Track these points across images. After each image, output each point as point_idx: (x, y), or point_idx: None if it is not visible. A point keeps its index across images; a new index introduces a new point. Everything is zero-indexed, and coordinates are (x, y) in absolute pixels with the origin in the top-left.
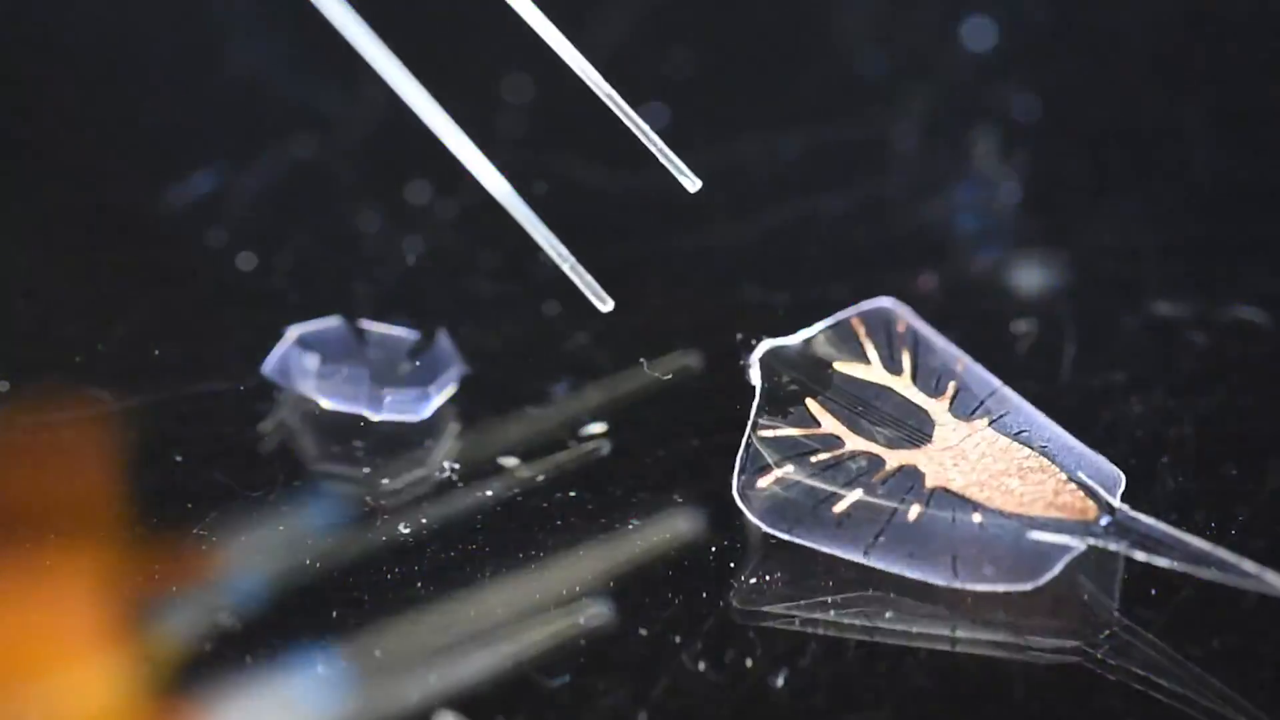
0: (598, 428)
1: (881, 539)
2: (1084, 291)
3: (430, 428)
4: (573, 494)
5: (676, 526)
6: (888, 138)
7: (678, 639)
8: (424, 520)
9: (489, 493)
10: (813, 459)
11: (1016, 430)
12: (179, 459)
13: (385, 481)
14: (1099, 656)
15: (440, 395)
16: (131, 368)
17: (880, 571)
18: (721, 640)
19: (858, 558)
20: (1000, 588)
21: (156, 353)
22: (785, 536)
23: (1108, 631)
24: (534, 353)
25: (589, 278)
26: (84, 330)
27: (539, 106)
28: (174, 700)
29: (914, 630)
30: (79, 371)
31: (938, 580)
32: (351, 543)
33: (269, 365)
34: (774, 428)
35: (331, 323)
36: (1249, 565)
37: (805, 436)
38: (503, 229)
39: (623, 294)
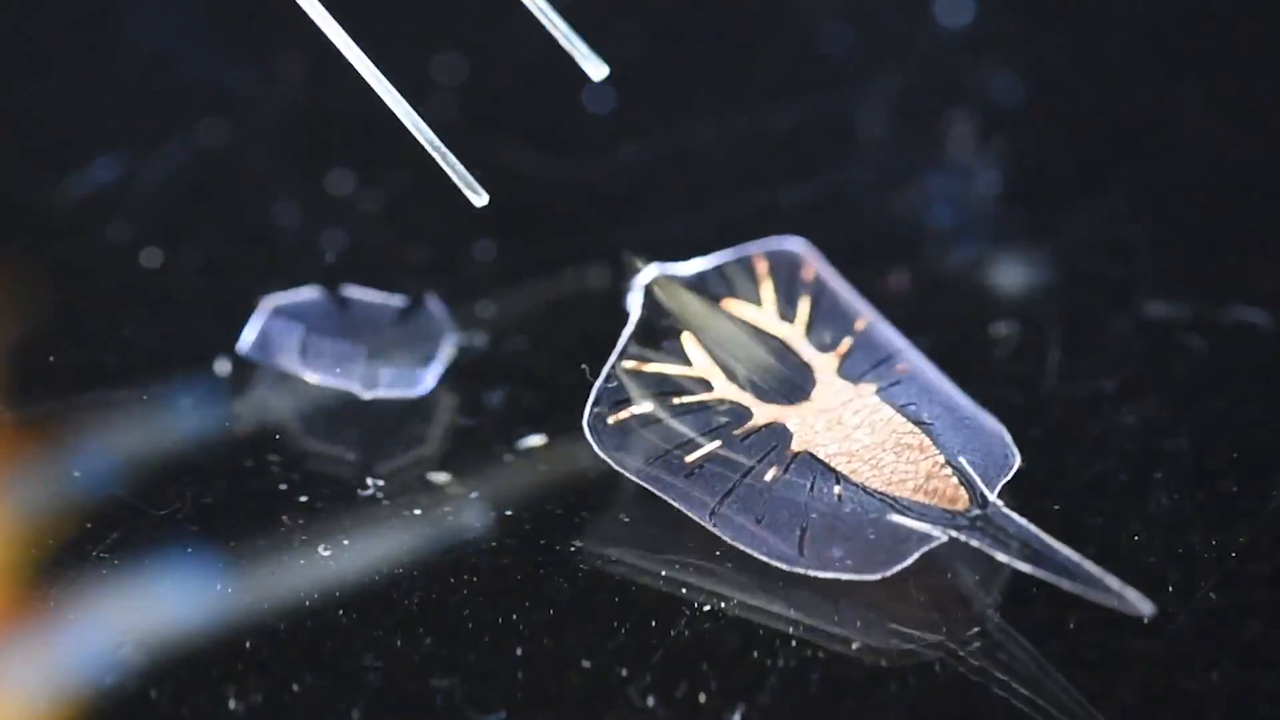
0: (537, 440)
1: (731, 498)
2: (1070, 291)
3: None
4: (509, 513)
5: (622, 549)
6: (854, 122)
7: (624, 672)
8: (345, 541)
9: (417, 511)
10: (675, 400)
11: (904, 402)
12: (77, 474)
13: (304, 498)
14: (962, 654)
15: (436, 368)
16: (26, 374)
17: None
18: (672, 673)
19: (703, 517)
20: (845, 577)
21: (52, 358)
22: (632, 478)
23: (978, 629)
24: (468, 357)
25: (461, 169)
26: None
27: (471, 88)
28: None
29: (759, 606)
30: None
31: (778, 560)
32: (266, 564)
33: (246, 342)
34: (641, 360)
35: (310, 292)
36: (1112, 581)
37: (672, 375)
38: (431, 222)
39: (568, 291)
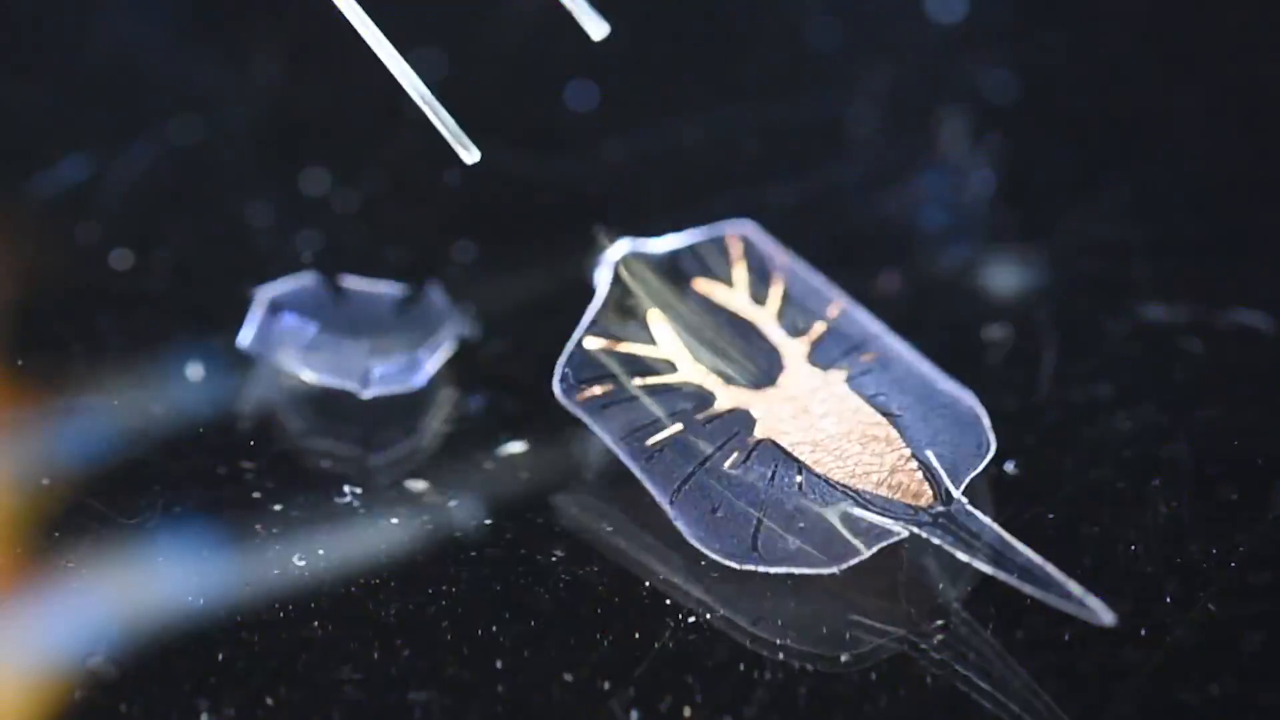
0: (517, 446)
1: (688, 485)
2: (1065, 293)
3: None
4: (488, 521)
5: (605, 559)
6: (844, 120)
7: (606, 684)
8: (321, 551)
9: (394, 520)
10: (638, 381)
11: (874, 392)
12: (46, 482)
13: (278, 507)
14: (923, 647)
15: (434, 360)
16: None
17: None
18: (655, 686)
19: (661, 504)
20: (799, 570)
21: (20, 362)
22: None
23: (941, 621)
24: (447, 362)
25: (453, 124)
26: None
27: (452, 85)
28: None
29: (745, 616)
30: None
31: (729, 559)
32: (239, 575)
33: (246, 338)
34: (606, 338)
35: (306, 281)
36: (1074, 587)
37: (637, 355)
38: (409, 221)
39: (550, 295)
